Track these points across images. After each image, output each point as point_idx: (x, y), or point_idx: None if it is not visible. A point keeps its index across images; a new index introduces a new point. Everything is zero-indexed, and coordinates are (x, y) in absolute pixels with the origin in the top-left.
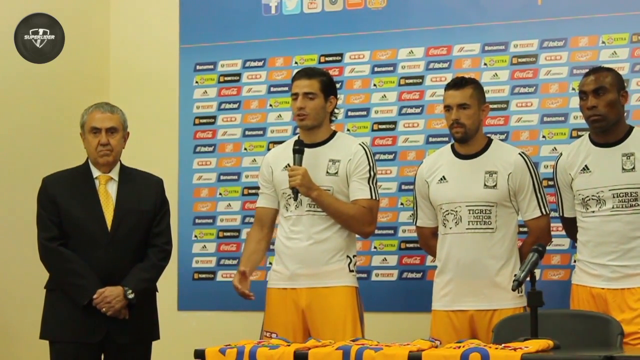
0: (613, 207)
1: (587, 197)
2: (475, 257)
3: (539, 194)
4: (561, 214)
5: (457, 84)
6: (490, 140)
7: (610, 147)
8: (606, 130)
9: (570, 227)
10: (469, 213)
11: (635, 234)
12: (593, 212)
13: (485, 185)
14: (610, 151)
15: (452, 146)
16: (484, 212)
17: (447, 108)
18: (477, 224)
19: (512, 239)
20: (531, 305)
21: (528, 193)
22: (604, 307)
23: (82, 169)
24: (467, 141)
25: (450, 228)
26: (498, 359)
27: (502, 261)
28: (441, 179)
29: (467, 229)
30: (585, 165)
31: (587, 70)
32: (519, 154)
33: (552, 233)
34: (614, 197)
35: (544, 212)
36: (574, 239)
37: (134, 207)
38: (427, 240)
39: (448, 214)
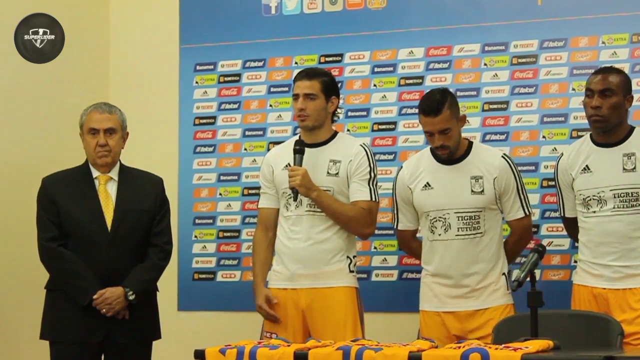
0: (614, 207)
1: (588, 197)
2: (466, 262)
3: (521, 195)
4: (562, 214)
5: (434, 109)
6: (470, 143)
7: (611, 147)
8: (607, 130)
9: (572, 227)
10: (458, 220)
11: (636, 234)
12: (594, 212)
13: (472, 191)
14: (611, 151)
15: (432, 150)
16: (472, 218)
17: (428, 133)
18: (466, 230)
19: (499, 239)
20: (531, 306)
21: (512, 195)
22: (606, 307)
23: (82, 169)
24: (452, 155)
25: (439, 235)
26: (498, 359)
27: (492, 263)
28: (425, 185)
29: (456, 235)
30: (586, 166)
31: (597, 68)
32: (502, 156)
33: (552, 233)
34: (615, 197)
35: (527, 212)
36: (575, 239)
37: (134, 207)
38: (408, 243)
39: (436, 221)
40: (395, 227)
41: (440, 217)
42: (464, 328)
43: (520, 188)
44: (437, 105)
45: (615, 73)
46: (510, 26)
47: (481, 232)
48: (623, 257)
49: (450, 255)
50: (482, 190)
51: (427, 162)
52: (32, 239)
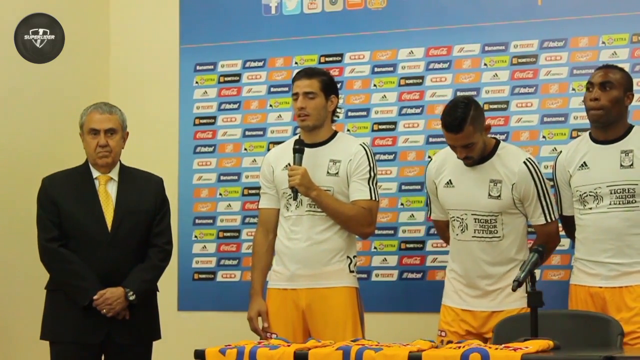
0: (610, 204)
1: (585, 193)
2: (484, 264)
3: (543, 202)
4: (560, 213)
5: (455, 127)
6: (497, 143)
7: (609, 145)
8: (605, 126)
9: (569, 226)
10: (475, 222)
11: (631, 231)
12: (590, 208)
13: (489, 195)
14: (609, 148)
15: None
16: (489, 221)
17: (451, 146)
18: (482, 233)
19: (521, 241)
20: (531, 306)
21: (533, 201)
22: (603, 307)
23: (82, 169)
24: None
25: (457, 235)
26: (498, 359)
27: (511, 265)
28: (447, 183)
29: (473, 237)
30: (584, 162)
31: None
32: (525, 161)
33: None
34: (611, 193)
35: (549, 220)
36: (572, 238)
37: (134, 207)
38: (443, 232)
39: (454, 220)
40: (429, 215)
41: (458, 217)
42: (479, 327)
43: (542, 194)
44: (459, 122)
45: (617, 69)
46: (510, 26)
47: (499, 236)
48: (618, 254)
49: (467, 255)
50: (499, 195)
51: (452, 159)
52: (32, 239)
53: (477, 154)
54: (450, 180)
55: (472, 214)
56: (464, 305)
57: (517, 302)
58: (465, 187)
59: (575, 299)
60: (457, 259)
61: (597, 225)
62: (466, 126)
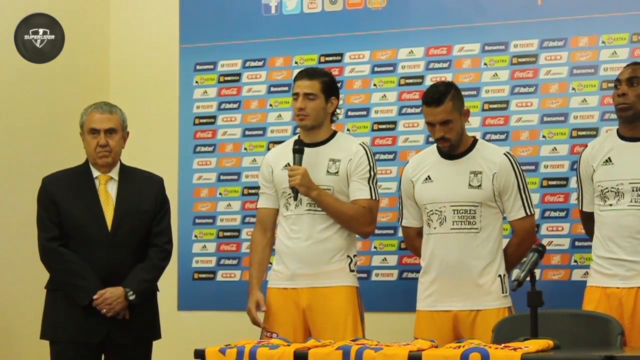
0: (631, 201)
1: (607, 189)
2: (459, 257)
3: (523, 194)
4: (580, 208)
5: (435, 100)
6: (475, 140)
7: (636, 142)
8: (633, 122)
9: (589, 222)
10: (454, 213)
11: None
12: (611, 205)
13: (470, 185)
14: (636, 145)
15: (438, 146)
16: (468, 212)
17: (430, 124)
18: (461, 224)
19: (497, 239)
20: (531, 306)
21: (513, 193)
22: (618, 308)
23: (82, 168)
24: (454, 150)
25: (435, 228)
26: (498, 359)
27: (487, 261)
28: (426, 179)
29: (451, 229)
30: (609, 158)
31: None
32: (504, 154)
33: (552, 233)
34: (633, 190)
35: (529, 213)
36: (590, 235)
37: (134, 207)
38: (412, 241)
39: (432, 213)
40: (400, 223)
41: (436, 210)
42: (457, 328)
43: (522, 187)
44: (439, 96)
45: None
46: (510, 26)
47: (477, 228)
48: (634, 252)
49: (444, 249)
50: (480, 185)
51: (431, 157)
52: (32, 239)
53: (454, 136)
54: (429, 176)
55: (452, 206)
56: (438, 306)
57: (496, 302)
58: (445, 180)
59: (589, 300)
60: (432, 256)
61: (616, 222)
62: (446, 101)
